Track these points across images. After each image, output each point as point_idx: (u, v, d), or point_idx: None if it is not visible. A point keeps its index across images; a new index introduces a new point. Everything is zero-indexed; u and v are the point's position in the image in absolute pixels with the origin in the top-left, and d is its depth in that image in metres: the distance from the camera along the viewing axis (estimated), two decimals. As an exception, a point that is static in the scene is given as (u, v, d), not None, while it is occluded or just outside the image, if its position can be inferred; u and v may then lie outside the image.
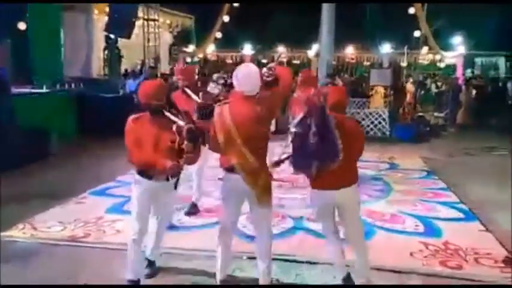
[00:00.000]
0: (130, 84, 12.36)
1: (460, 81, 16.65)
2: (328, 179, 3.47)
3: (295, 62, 21.32)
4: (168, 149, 3.56)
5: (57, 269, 4.16)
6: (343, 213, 3.69)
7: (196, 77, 9.68)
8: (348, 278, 3.77)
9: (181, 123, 3.59)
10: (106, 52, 13.84)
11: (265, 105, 3.56)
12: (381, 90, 13.15)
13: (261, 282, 3.68)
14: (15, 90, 9.55)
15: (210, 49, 22.74)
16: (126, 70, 15.90)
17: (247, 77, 3.53)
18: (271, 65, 4.17)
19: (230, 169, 3.50)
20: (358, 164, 3.81)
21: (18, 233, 4.89)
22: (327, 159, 3.40)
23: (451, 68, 21.13)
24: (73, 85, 11.53)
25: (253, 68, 3.64)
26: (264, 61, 18.88)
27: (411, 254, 4.49)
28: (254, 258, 4.01)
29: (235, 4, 20.61)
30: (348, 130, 3.51)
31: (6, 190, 6.31)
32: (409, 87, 15.60)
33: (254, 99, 3.53)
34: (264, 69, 4.03)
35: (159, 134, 3.58)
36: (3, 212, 5.42)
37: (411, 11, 18.92)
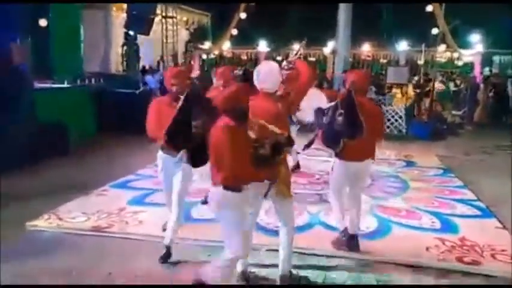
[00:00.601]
0: (150, 80, 12.50)
1: (478, 80, 16.50)
2: (355, 153, 4.20)
3: (311, 59, 21.33)
4: (249, 156, 3.21)
5: (83, 258, 4.29)
6: (357, 179, 4.44)
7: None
8: (345, 229, 4.49)
9: (277, 129, 3.36)
10: (125, 48, 14.01)
11: (285, 102, 3.65)
12: (410, 89, 13.12)
13: (280, 271, 3.79)
14: (37, 85, 9.79)
15: (226, 46, 22.84)
16: (144, 67, 16.09)
17: (268, 74, 3.62)
18: (291, 58, 4.23)
19: None
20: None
21: (44, 223, 5.05)
22: (354, 135, 4.07)
23: (469, 66, 20.93)
24: (93, 80, 11.72)
25: (274, 65, 3.73)
26: (279, 58, 18.92)
27: (427, 249, 4.54)
28: (272, 250, 4.12)
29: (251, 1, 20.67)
30: (368, 111, 4.15)
31: (27, 183, 6.55)
32: (439, 86, 15.48)
33: (274, 96, 3.63)
34: (284, 63, 4.10)
35: (246, 142, 3.22)
36: (27, 204, 5.61)
37: (429, 8, 18.78)
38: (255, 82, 3.67)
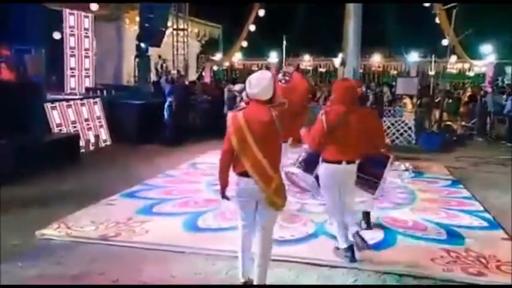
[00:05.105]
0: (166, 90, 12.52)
1: (489, 90, 16.40)
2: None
3: (321, 70, 21.44)
4: None
5: (90, 266, 4.36)
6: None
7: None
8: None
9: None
10: (137, 60, 14.20)
11: (280, 111, 3.63)
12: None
13: (256, 282, 3.68)
14: (50, 96, 10.00)
15: (237, 58, 23.06)
16: (160, 77, 16.19)
17: (258, 79, 3.57)
18: (286, 69, 4.19)
19: (243, 173, 3.53)
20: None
21: (54, 232, 5.13)
22: None
23: (480, 77, 20.81)
24: (105, 92, 11.91)
25: (266, 73, 3.72)
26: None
27: (432, 260, 4.53)
28: (274, 260, 4.14)
29: (261, 13, 20.89)
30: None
31: (38, 192, 6.67)
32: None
33: (268, 104, 3.58)
34: (280, 76, 4.06)
35: None
36: (37, 212, 5.73)
37: (437, 20, 18.80)
38: (247, 90, 3.67)
